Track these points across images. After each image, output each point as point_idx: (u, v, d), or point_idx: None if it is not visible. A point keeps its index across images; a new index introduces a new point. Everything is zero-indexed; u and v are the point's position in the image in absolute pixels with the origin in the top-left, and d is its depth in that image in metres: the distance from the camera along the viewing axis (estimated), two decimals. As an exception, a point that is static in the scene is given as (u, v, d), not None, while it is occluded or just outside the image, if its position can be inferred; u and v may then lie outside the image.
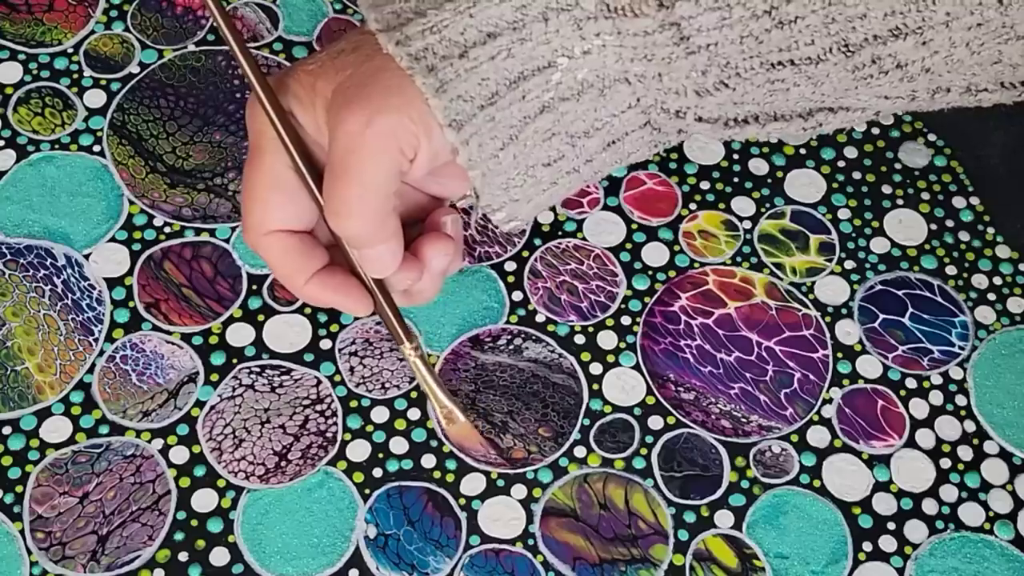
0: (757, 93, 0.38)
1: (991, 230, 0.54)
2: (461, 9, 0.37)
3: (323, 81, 0.39)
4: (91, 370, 0.48)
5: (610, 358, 0.50)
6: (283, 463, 0.47)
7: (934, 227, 0.54)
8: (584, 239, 0.53)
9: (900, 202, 0.54)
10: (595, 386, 0.49)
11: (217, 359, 0.49)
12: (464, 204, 0.42)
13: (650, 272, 0.52)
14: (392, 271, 0.41)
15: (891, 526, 0.47)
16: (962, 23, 0.35)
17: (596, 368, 0.50)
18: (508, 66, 0.37)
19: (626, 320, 0.51)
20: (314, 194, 0.40)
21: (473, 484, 0.47)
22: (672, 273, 0.52)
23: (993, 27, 0.35)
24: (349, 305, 0.42)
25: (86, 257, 0.51)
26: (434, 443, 0.48)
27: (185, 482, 0.47)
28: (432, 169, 0.40)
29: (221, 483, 0.47)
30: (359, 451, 0.48)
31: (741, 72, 0.37)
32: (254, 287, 0.51)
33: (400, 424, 0.48)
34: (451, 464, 0.47)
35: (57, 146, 0.53)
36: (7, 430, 0.47)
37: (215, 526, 0.46)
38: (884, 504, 0.48)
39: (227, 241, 0.52)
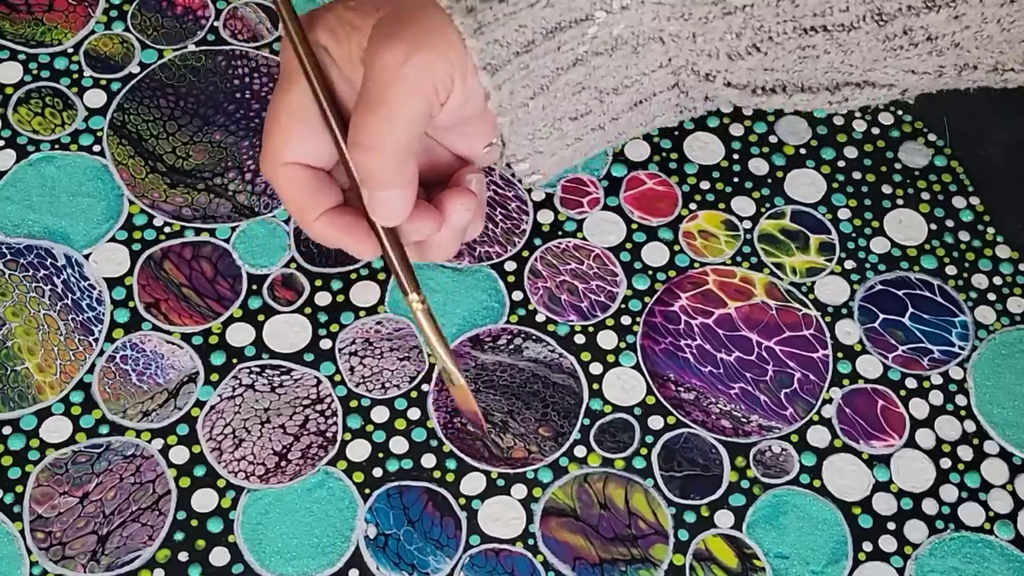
0: (788, 59, 0.38)
1: (991, 230, 0.54)
2: None
3: (362, 18, 0.39)
4: (91, 370, 0.48)
5: (610, 358, 0.50)
6: (283, 463, 0.47)
7: (934, 227, 0.54)
8: (584, 239, 0.53)
9: (900, 202, 0.54)
10: (595, 386, 0.49)
11: (217, 359, 0.49)
12: (488, 151, 0.42)
13: (650, 272, 0.52)
14: (400, 220, 0.41)
15: (891, 526, 0.47)
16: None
17: (596, 368, 0.50)
18: (547, 15, 0.37)
19: (626, 320, 0.51)
20: (333, 131, 0.40)
21: (473, 484, 0.47)
22: (672, 273, 0.52)
23: None
24: (356, 247, 0.42)
25: (86, 257, 0.51)
26: (434, 443, 0.48)
27: (185, 482, 0.47)
28: (459, 122, 0.40)
29: (221, 483, 0.47)
30: (359, 451, 0.48)
31: (774, 36, 0.37)
32: (254, 287, 0.51)
33: (400, 424, 0.48)
34: (451, 464, 0.47)
35: (57, 146, 0.53)
36: (7, 430, 0.47)
37: (215, 526, 0.46)
38: (884, 504, 0.48)
39: (227, 241, 0.52)
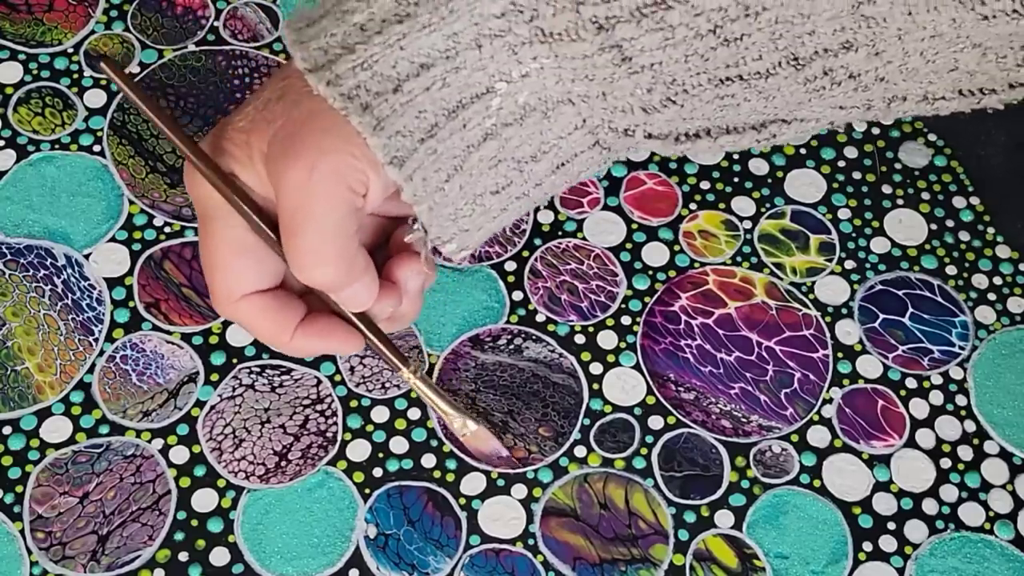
0: (707, 109, 0.36)
1: (991, 230, 0.54)
2: (391, 42, 0.35)
3: (256, 136, 0.38)
4: (91, 370, 0.48)
5: (610, 358, 0.50)
6: (283, 463, 0.47)
7: (934, 227, 0.54)
8: (584, 239, 0.53)
9: (900, 202, 0.54)
10: (595, 386, 0.49)
11: (217, 359, 0.49)
12: (412, 239, 0.41)
13: (650, 272, 0.52)
14: (371, 303, 0.40)
15: (891, 526, 0.47)
16: (914, 36, 0.34)
17: (596, 368, 0.50)
18: (445, 96, 0.36)
19: (626, 320, 0.51)
20: (278, 249, 0.39)
21: (473, 484, 0.47)
22: (672, 273, 0.52)
23: (947, 39, 0.34)
24: (339, 347, 0.42)
25: (86, 257, 0.51)
26: (434, 443, 0.48)
27: (185, 482, 0.47)
28: (388, 200, 0.39)
29: (221, 483, 0.47)
30: (359, 451, 0.48)
31: (688, 89, 0.36)
32: (254, 287, 0.51)
33: (400, 424, 0.48)
34: (451, 464, 0.47)
35: (57, 146, 0.53)
36: (7, 430, 0.47)
37: (215, 526, 0.46)
38: (884, 504, 0.48)
39: (227, 241, 0.52)
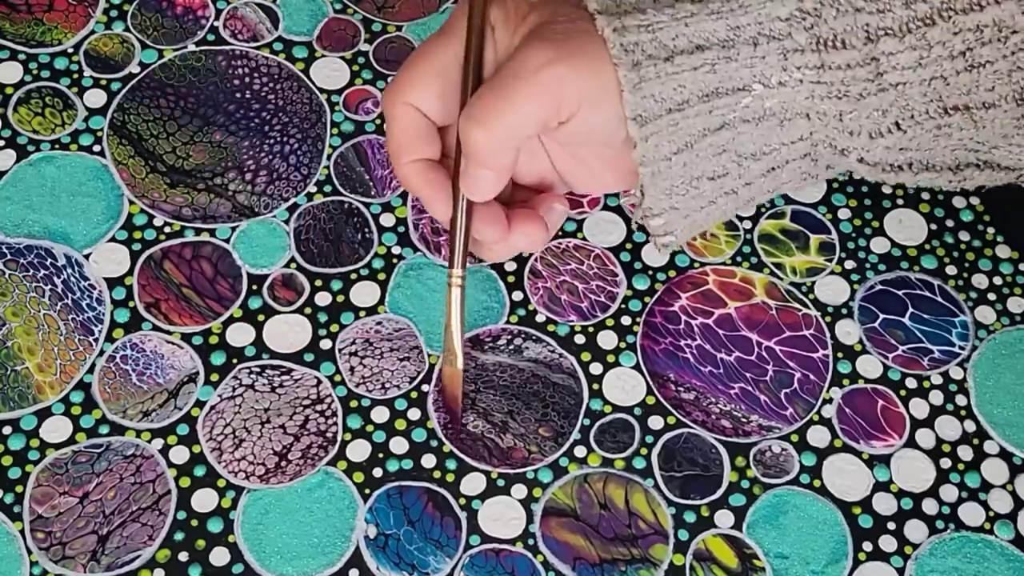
0: (924, 138, 0.39)
1: (991, 230, 0.54)
2: (679, 16, 0.38)
3: (536, 14, 0.41)
4: (91, 370, 0.48)
5: (610, 358, 0.50)
6: (283, 463, 0.47)
7: (934, 227, 0.54)
8: (584, 239, 0.53)
9: (900, 202, 0.54)
10: (595, 386, 0.49)
11: (217, 359, 0.49)
12: (627, 201, 0.42)
13: (650, 272, 0.52)
14: (484, 199, 0.42)
15: (891, 526, 0.47)
16: None
17: (596, 368, 0.50)
18: (707, 80, 0.38)
19: (626, 320, 0.51)
20: (465, 97, 0.42)
21: (473, 484, 0.47)
22: (672, 273, 0.52)
23: None
24: (431, 203, 0.44)
25: (86, 257, 0.51)
26: (434, 443, 0.48)
27: (185, 482, 0.47)
28: (579, 143, 0.41)
29: (221, 483, 0.47)
30: (359, 451, 0.48)
31: (916, 115, 0.38)
32: (254, 287, 0.51)
33: (400, 424, 0.48)
34: (451, 464, 0.47)
35: (57, 146, 0.53)
36: (7, 430, 0.47)
37: (215, 526, 0.46)
38: (884, 504, 0.48)
39: (227, 241, 0.52)
